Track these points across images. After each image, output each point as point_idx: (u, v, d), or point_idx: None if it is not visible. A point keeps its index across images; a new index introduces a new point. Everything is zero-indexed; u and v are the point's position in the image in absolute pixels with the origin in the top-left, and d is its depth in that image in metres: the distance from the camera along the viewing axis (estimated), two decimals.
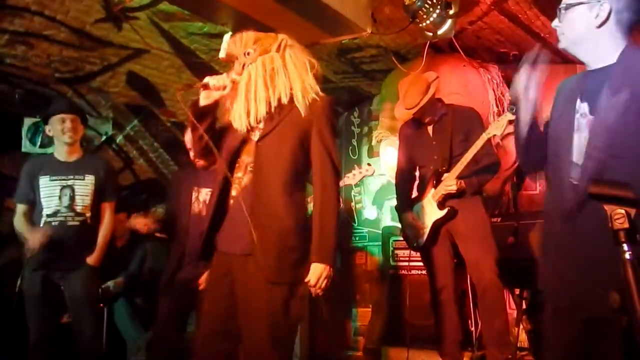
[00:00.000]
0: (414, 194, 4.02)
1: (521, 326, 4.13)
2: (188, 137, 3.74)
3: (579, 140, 2.03)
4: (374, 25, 3.93)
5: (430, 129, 3.90)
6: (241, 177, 2.37)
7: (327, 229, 2.30)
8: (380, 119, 5.37)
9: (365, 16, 3.84)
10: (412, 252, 4.20)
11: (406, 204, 3.98)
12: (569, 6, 2.04)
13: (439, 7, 3.77)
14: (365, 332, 5.53)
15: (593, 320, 1.97)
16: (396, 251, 4.71)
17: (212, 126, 2.40)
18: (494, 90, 4.74)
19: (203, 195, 3.80)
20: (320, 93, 2.39)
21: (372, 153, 5.98)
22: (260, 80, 2.31)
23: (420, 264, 4.11)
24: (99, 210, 3.93)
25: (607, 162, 1.90)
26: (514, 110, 3.37)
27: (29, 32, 4.12)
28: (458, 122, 3.80)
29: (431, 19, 3.81)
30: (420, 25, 3.89)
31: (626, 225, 1.47)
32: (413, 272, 4.54)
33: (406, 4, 3.81)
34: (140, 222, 3.83)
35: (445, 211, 3.72)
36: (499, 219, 4.24)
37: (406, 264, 4.51)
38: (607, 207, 1.51)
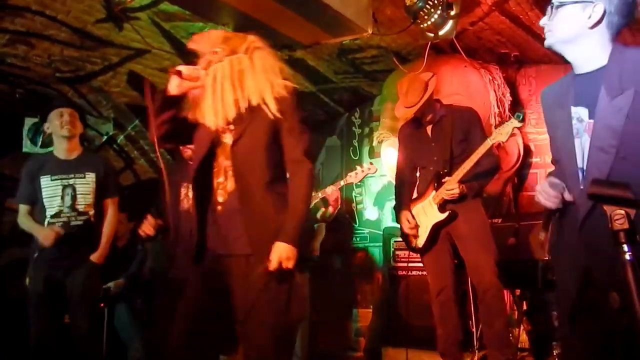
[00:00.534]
0: (414, 195, 4.01)
1: (522, 327, 4.13)
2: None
3: (581, 146, 2.01)
4: (375, 25, 3.93)
5: (429, 129, 3.90)
6: (224, 182, 2.39)
7: (296, 213, 2.31)
8: (381, 120, 5.36)
9: (366, 17, 3.84)
10: (412, 253, 4.19)
11: (403, 204, 3.97)
12: (562, 4, 2.01)
13: (440, 7, 3.77)
14: (365, 332, 5.53)
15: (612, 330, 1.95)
16: (397, 252, 4.71)
17: (177, 116, 2.40)
18: (495, 91, 4.74)
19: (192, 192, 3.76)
20: (288, 84, 2.40)
21: (373, 154, 5.98)
22: (227, 81, 2.31)
23: (421, 264, 4.11)
24: (102, 208, 3.92)
25: (615, 164, 1.87)
26: (520, 118, 3.39)
27: (30, 31, 4.13)
28: (457, 123, 3.79)
29: (432, 19, 3.81)
30: (422, 26, 3.89)
31: (626, 225, 1.47)
32: (414, 272, 4.54)
33: (407, 4, 3.81)
34: (148, 227, 3.81)
35: (446, 214, 3.71)
36: (500, 220, 4.25)
37: (407, 264, 4.51)
38: (607, 208, 1.51)
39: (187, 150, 3.93)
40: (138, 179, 6.13)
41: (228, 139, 2.39)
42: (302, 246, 2.32)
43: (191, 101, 2.39)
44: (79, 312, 3.74)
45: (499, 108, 4.71)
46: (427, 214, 3.81)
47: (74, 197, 3.78)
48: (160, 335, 3.74)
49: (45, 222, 3.74)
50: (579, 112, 2.03)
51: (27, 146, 5.02)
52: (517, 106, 4.93)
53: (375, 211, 5.97)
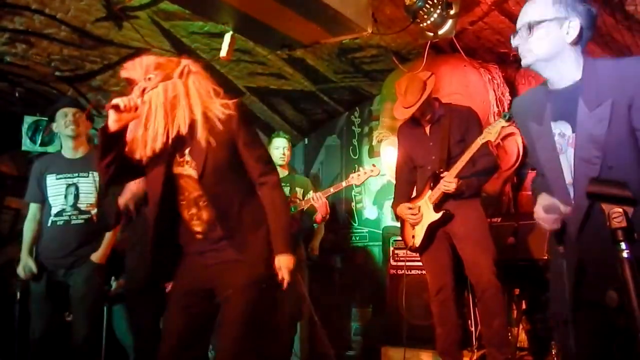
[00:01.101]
0: (413, 194, 4.02)
1: (521, 326, 4.13)
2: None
3: (567, 161, 2.03)
4: (374, 25, 3.92)
5: (428, 129, 3.90)
6: (198, 212, 2.39)
7: (279, 227, 2.39)
8: (380, 119, 5.36)
9: (366, 16, 3.84)
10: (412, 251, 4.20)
11: (401, 199, 3.97)
12: (539, 22, 1.99)
13: (439, 7, 3.77)
14: (364, 332, 5.54)
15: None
16: (396, 251, 4.71)
17: (122, 151, 2.31)
18: (494, 91, 4.74)
19: None
20: (229, 102, 2.37)
21: (372, 153, 5.98)
22: (161, 108, 2.25)
23: (420, 264, 4.11)
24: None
25: (602, 174, 1.89)
26: (507, 117, 3.39)
27: (30, 30, 4.13)
28: (455, 123, 3.79)
29: (432, 19, 3.81)
30: (421, 25, 3.89)
31: (624, 224, 1.48)
32: (413, 272, 4.54)
33: (407, 4, 3.81)
34: None
35: (440, 214, 3.71)
36: (499, 219, 4.24)
37: (406, 263, 4.51)
38: (605, 206, 1.52)
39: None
40: None
41: (189, 170, 2.37)
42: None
43: (129, 133, 2.30)
44: (80, 313, 3.75)
45: (498, 107, 4.71)
46: (423, 213, 3.81)
47: (76, 196, 3.79)
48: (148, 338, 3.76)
49: (49, 221, 3.76)
50: (560, 127, 2.05)
51: (26, 145, 5.02)
52: None
53: (374, 210, 5.97)
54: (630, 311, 1.44)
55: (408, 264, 4.50)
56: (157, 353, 2.34)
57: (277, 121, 6.11)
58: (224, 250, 2.36)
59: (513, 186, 4.89)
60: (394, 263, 4.70)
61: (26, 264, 3.71)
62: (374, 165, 4.58)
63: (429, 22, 3.84)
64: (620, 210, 1.47)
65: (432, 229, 3.76)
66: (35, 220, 3.84)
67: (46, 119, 4.38)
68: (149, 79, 2.28)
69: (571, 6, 1.98)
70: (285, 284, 2.35)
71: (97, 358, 3.97)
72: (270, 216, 2.39)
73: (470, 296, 4.01)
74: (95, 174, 3.86)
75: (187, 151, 2.36)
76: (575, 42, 1.98)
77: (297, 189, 4.74)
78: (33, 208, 3.88)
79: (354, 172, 4.59)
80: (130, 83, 2.32)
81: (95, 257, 3.79)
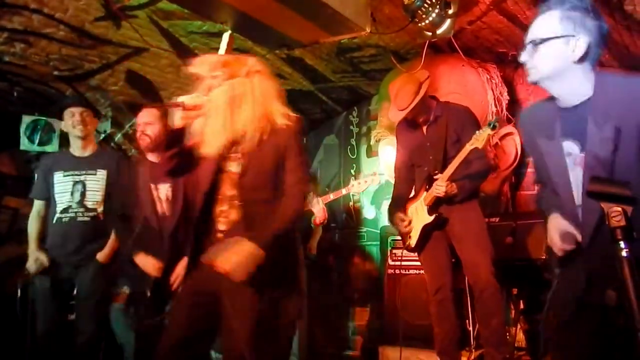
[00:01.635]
0: (412, 193, 4.02)
1: (519, 326, 4.14)
2: (140, 124, 3.63)
3: (576, 180, 2.02)
4: (373, 24, 3.92)
5: (424, 129, 3.90)
6: (227, 211, 2.38)
7: (273, 226, 2.31)
8: (379, 119, 5.37)
9: (364, 15, 3.84)
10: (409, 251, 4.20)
11: (397, 205, 3.99)
12: (544, 40, 1.98)
13: (438, 6, 3.77)
14: (363, 331, 5.54)
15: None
16: (394, 250, 4.71)
17: (184, 148, 2.39)
18: (492, 90, 4.74)
19: (163, 192, 3.66)
20: (291, 114, 2.39)
21: (370, 152, 5.99)
22: (226, 105, 2.30)
23: (418, 263, 4.11)
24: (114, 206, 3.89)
25: None
26: (492, 126, 3.40)
27: (28, 30, 4.13)
28: (452, 124, 3.78)
29: (430, 18, 3.81)
30: (419, 24, 3.89)
31: (623, 222, 1.48)
32: (411, 271, 4.55)
33: (405, 3, 3.81)
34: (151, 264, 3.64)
35: (433, 217, 3.72)
36: (498, 219, 4.25)
37: (404, 263, 4.51)
38: (604, 205, 1.52)
39: (144, 139, 3.68)
40: None
41: (234, 167, 2.39)
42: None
43: (194, 129, 2.38)
44: (84, 312, 3.73)
45: (496, 107, 4.71)
46: (418, 214, 3.83)
47: (83, 194, 3.79)
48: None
49: (55, 217, 3.75)
50: (569, 146, 2.03)
51: (24, 144, 5.02)
52: (514, 105, 4.94)
53: (372, 210, 5.97)
54: (629, 310, 1.45)
55: (406, 263, 4.51)
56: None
57: None
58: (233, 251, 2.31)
59: (511, 186, 4.90)
60: (392, 263, 4.70)
61: (37, 258, 3.69)
62: (375, 174, 4.57)
63: (427, 21, 3.83)
64: (620, 209, 1.48)
65: (427, 230, 3.77)
66: (39, 216, 3.84)
67: (45, 118, 4.38)
68: (215, 76, 2.33)
69: (580, 23, 1.95)
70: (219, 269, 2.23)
71: (97, 357, 3.95)
72: (275, 217, 2.32)
73: (469, 296, 4.01)
74: (103, 172, 3.86)
75: (239, 148, 2.37)
76: (582, 60, 1.95)
77: None
78: (38, 205, 3.88)
79: (355, 179, 4.59)
80: (197, 79, 2.37)
81: (100, 256, 3.77)
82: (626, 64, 4.36)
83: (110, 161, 3.92)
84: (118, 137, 5.70)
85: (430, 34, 3.99)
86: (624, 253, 1.46)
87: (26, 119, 5.03)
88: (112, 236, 3.82)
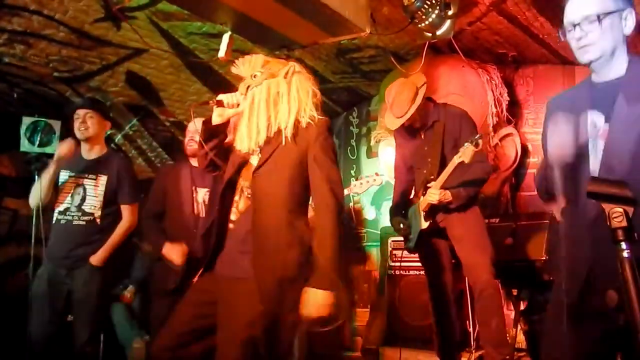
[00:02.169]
0: (412, 194, 4.03)
1: (519, 327, 4.13)
2: (190, 131, 3.78)
3: (595, 150, 1.97)
4: (373, 25, 3.92)
5: (422, 133, 3.90)
6: (238, 201, 2.40)
7: (324, 255, 2.22)
8: (378, 119, 5.37)
9: (364, 16, 3.83)
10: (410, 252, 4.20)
11: (398, 207, 3.99)
12: (605, 15, 1.92)
13: (437, 7, 3.77)
14: (363, 332, 5.53)
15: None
16: (394, 251, 4.71)
17: (221, 144, 2.45)
18: (492, 91, 4.74)
19: (201, 196, 3.79)
20: (316, 117, 2.38)
21: (370, 153, 5.99)
22: (264, 104, 2.33)
23: (418, 264, 4.11)
24: (115, 211, 3.87)
25: (630, 168, 1.85)
26: (474, 142, 3.40)
27: (28, 31, 4.12)
28: (448, 129, 3.78)
29: (430, 19, 3.81)
30: (419, 25, 3.88)
31: (624, 223, 1.48)
32: (411, 272, 4.55)
33: (405, 4, 3.81)
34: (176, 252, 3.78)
35: (427, 224, 3.75)
36: (497, 220, 4.25)
37: (404, 264, 4.51)
38: (605, 206, 1.52)
39: (192, 144, 3.91)
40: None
41: (254, 160, 2.40)
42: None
43: (231, 127, 2.44)
44: (81, 315, 3.72)
45: (496, 108, 4.72)
46: (416, 218, 3.84)
47: (83, 198, 3.78)
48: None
49: (54, 217, 3.74)
50: (595, 116, 2.00)
51: (24, 145, 5.00)
52: (514, 106, 4.95)
53: (372, 211, 5.97)
54: (630, 311, 1.44)
55: (406, 264, 4.51)
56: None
57: None
58: (243, 257, 2.27)
59: (511, 187, 4.90)
60: (392, 264, 4.69)
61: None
62: (376, 174, 4.57)
63: (427, 22, 3.83)
64: (621, 210, 1.48)
65: (424, 234, 3.78)
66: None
67: (45, 119, 4.36)
68: (255, 76, 2.37)
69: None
70: (307, 321, 2.21)
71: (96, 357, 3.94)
72: (318, 242, 2.25)
73: (469, 297, 4.01)
74: (104, 177, 3.84)
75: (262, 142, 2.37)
76: (629, 34, 1.95)
77: None
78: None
79: (357, 180, 4.58)
80: (239, 79, 2.43)
81: (94, 259, 3.74)
82: None
83: (113, 166, 3.89)
84: (118, 138, 5.70)
85: (430, 34, 3.99)
86: (625, 254, 1.46)
87: (26, 120, 5.01)
88: (109, 240, 3.80)
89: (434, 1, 3.74)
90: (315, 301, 2.18)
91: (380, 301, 5.00)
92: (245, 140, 2.33)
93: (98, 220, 3.80)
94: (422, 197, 3.77)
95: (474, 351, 3.99)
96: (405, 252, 4.33)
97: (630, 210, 1.48)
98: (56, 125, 4.33)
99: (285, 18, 3.62)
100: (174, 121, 5.65)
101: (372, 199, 5.96)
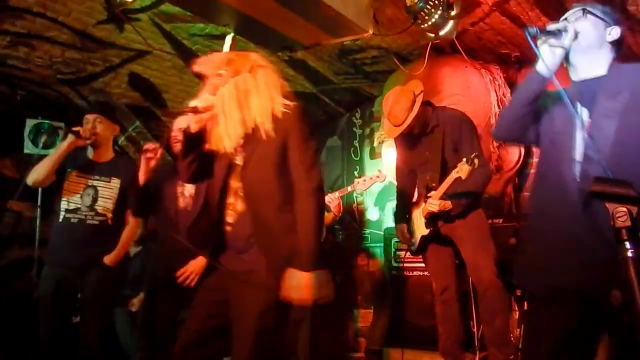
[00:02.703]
0: (415, 198, 4.03)
1: (522, 327, 4.12)
2: (174, 130, 3.75)
3: (581, 138, 2.06)
4: (375, 26, 3.93)
5: (422, 139, 3.88)
6: (234, 203, 2.39)
7: (303, 237, 2.25)
8: (381, 120, 5.37)
9: (366, 17, 3.84)
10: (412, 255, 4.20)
11: (400, 216, 4.01)
12: (592, 14, 2.17)
13: (440, 8, 3.77)
14: (366, 333, 5.53)
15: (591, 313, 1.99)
16: (398, 252, 4.71)
17: (202, 151, 2.38)
18: (495, 92, 4.74)
19: (188, 190, 3.76)
20: (290, 104, 2.38)
21: (374, 154, 5.99)
22: (234, 101, 2.30)
23: (422, 265, 4.11)
24: (124, 214, 3.87)
25: (611, 164, 1.89)
26: (470, 163, 3.40)
27: (31, 33, 4.14)
28: (448, 134, 3.76)
29: (433, 20, 3.81)
30: (422, 26, 3.89)
31: (628, 223, 1.48)
32: (415, 273, 4.54)
33: (408, 5, 3.81)
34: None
35: (428, 231, 3.77)
36: (501, 220, 4.25)
37: (408, 265, 4.50)
38: (609, 205, 1.52)
39: (177, 145, 3.87)
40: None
41: (239, 160, 2.39)
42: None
43: (207, 131, 2.38)
44: (90, 316, 3.71)
45: (499, 108, 4.70)
46: (418, 223, 3.85)
47: (94, 199, 3.76)
48: (160, 342, 3.73)
49: (61, 216, 3.73)
50: (580, 110, 2.10)
51: (28, 147, 5.02)
52: None
53: (376, 211, 5.97)
54: (634, 310, 1.44)
55: (410, 265, 4.50)
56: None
57: None
58: (247, 252, 2.32)
59: (514, 187, 4.89)
60: (396, 264, 4.69)
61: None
62: (379, 171, 4.57)
63: (430, 23, 3.83)
64: (625, 209, 1.48)
65: (426, 240, 3.80)
66: None
67: (48, 121, 4.38)
68: (220, 74, 2.34)
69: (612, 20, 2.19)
70: (294, 303, 2.23)
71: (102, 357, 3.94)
72: (299, 227, 2.27)
73: (473, 297, 4.00)
74: (117, 180, 3.83)
75: (243, 141, 2.37)
76: (612, 43, 2.16)
77: None
78: None
79: (360, 177, 4.57)
80: (201, 78, 2.39)
81: (108, 259, 3.73)
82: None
83: (124, 170, 3.87)
84: (121, 139, 5.71)
85: (432, 35, 3.99)
86: (629, 253, 1.46)
87: (30, 123, 5.03)
88: (121, 241, 3.80)
89: (436, 2, 3.74)
90: (295, 282, 2.21)
91: (384, 302, 4.99)
92: (225, 139, 2.30)
93: (110, 222, 3.80)
94: (423, 204, 3.77)
95: (478, 352, 3.99)
96: (409, 253, 4.32)
97: (634, 209, 1.48)
98: (59, 127, 4.33)
99: (288, 19, 3.63)
100: None
101: (375, 200, 5.96)
